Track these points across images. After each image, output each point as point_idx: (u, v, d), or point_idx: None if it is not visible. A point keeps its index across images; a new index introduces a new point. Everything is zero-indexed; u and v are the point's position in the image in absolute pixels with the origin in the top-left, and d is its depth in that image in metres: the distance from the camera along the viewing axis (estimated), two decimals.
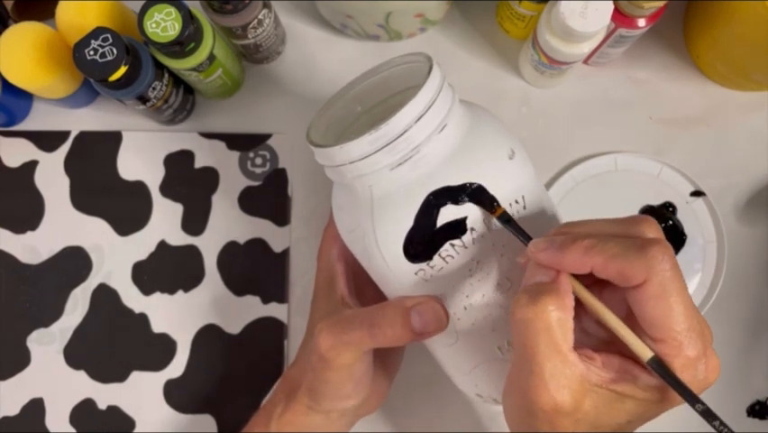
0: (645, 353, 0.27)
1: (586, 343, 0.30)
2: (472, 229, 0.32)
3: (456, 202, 0.31)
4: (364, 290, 0.39)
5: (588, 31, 0.40)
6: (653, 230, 0.29)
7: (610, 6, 0.40)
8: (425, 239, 0.31)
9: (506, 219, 0.31)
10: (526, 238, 0.31)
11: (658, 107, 0.51)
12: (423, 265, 0.32)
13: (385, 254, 0.32)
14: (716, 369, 0.28)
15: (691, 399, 0.26)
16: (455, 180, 0.31)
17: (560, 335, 0.27)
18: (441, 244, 0.32)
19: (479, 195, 0.31)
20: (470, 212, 0.32)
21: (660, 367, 0.27)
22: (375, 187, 0.32)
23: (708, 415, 0.26)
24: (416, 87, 0.31)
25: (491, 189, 0.32)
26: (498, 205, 0.31)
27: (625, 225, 0.29)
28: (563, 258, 0.28)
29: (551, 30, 0.43)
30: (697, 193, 0.49)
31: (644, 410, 0.29)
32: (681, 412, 0.30)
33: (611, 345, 0.29)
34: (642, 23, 0.43)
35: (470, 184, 0.31)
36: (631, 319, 0.28)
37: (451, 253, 0.32)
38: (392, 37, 0.50)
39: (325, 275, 0.40)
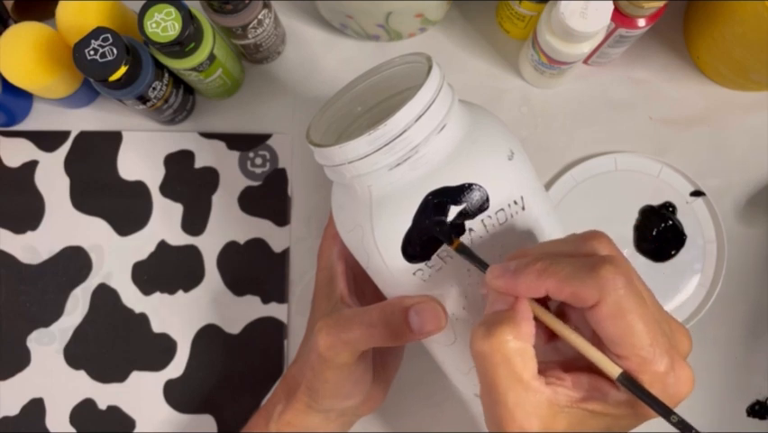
0: (614, 370, 0.26)
1: (558, 360, 0.29)
2: (471, 230, 0.32)
3: (455, 203, 0.31)
4: (364, 289, 0.39)
5: (588, 31, 0.40)
6: (604, 246, 0.28)
7: (610, 6, 0.40)
8: (423, 239, 0.31)
9: (461, 250, 0.31)
10: (483, 267, 0.30)
11: (658, 107, 0.51)
12: (421, 265, 0.32)
13: (383, 254, 0.32)
14: (688, 380, 0.27)
15: (664, 411, 0.26)
16: (454, 181, 0.31)
17: (520, 364, 0.26)
18: (439, 245, 0.32)
19: (442, 227, 0.31)
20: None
21: (630, 383, 0.26)
22: (374, 187, 0.32)
23: (683, 426, 0.26)
24: (416, 87, 0.31)
25: (490, 190, 0.32)
26: (456, 237, 0.31)
27: (576, 244, 0.29)
28: (518, 283, 0.28)
29: (551, 30, 0.43)
30: (697, 193, 0.49)
31: (618, 425, 0.28)
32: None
33: (582, 361, 0.28)
34: (642, 22, 0.43)
35: (469, 185, 0.31)
36: (597, 336, 0.28)
37: (449, 254, 0.32)
38: (392, 37, 0.50)
39: (325, 275, 0.40)
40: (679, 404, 0.27)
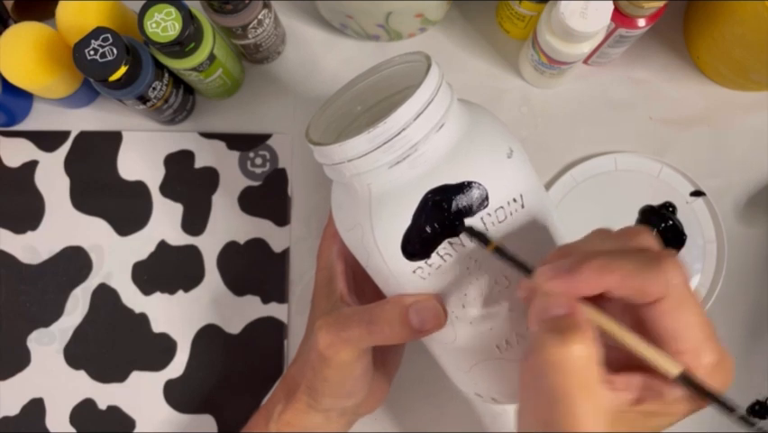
0: (673, 369, 0.26)
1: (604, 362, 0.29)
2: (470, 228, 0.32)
3: (455, 202, 0.31)
4: (364, 288, 0.39)
5: (588, 31, 0.40)
6: (653, 241, 0.28)
7: (610, 6, 0.40)
8: (422, 237, 0.31)
9: (499, 251, 0.30)
10: (526, 270, 0.29)
11: (658, 107, 0.51)
12: (421, 263, 0.32)
13: (383, 253, 0.32)
14: (732, 369, 0.28)
15: (728, 408, 0.26)
16: (453, 179, 0.31)
17: (589, 371, 0.26)
18: (439, 243, 0.32)
19: (472, 232, 0.31)
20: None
21: (690, 382, 0.26)
22: (373, 185, 0.32)
23: (746, 421, 0.26)
24: (415, 86, 0.31)
25: (489, 188, 0.32)
26: (491, 240, 0.31)
27: (623, 239, 0.29)
28: (576, 282, 0.27)
29: (551, 30, 0.43)
30: (697, 193, 0.49)
31: (672, 421, 0.28)
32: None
33: (624, 360, 0.28)
34: (642, 23, 0.43)
35: (469, 183, 0.31)
36: (639, 333, 0.27)
37: (449, 252, 0.32)
38: (392, 37, 0.50)
39: (325, 274, 0.40)
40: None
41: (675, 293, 0.26)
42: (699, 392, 0.26)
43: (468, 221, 0.32)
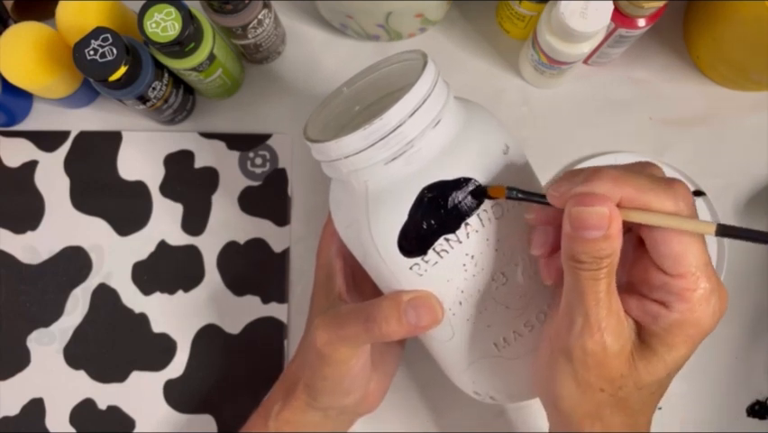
0: (709, 228, 0.27)
1: None
2: (467, 224, 0.32)
3: (451, 197, 0.31)
4: (363, 286, 0.39)
5: (588, 31, 0.40)
6: (662, 171, 0.30)
7: (610, 6, 0.40)
8: (419, 233, 0.32)
9: (514, 193, 0.31)
10: (541, 196, 0.30)
11: (658, 107, 0.51)
12: (417, 260, 0.32)
13: (380, 249, 0.32)
14: (726, 298, 0.29)
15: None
16: (449, 175, 0.31)
17: (613, 281, 0.28)
18: (435, 239, 0.32)
19: (476, 194, 0.32)
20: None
21: (729, 229, 0.27)
22: (370, 182, 0.32)
23: None
24: (412, 83, 0.32)
25: (485, 184, 0.32)
26: (495, 187, 0.31)
27: (636, 165, 0.30)
28: (593, 189, 0.28)
29: (551, 30, 0.43)
30: (697, 193, 0.49)
31: (678, 357, 0.29)
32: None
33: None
34: (642, 23, 0.43)
35: (465, 179, 0.31)
36: (638, 254, 0.30)
37: (445, 248, 0.32)
38: (392, 37, 0.50)
39: (324, 272, 0.40)
40: (718, 323, 0.29)
41: (684, 212, 0.27)
42: (742, 236, 0.27)
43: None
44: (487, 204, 0.32)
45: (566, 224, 0.28)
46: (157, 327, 0.49)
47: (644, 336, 0.29)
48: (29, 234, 0.49)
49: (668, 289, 0.28)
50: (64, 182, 0.50)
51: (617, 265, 0.28)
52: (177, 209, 0.50)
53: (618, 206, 0.28)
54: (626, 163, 0.31)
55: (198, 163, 0.50)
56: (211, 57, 0.43)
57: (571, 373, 0.29)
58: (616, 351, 0.28)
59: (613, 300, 0.28)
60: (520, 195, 0.31)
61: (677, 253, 0.28)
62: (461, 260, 0.32)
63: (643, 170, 0.30)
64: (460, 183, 0.31)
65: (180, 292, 0.49)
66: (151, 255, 0.49)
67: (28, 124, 0.51)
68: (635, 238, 0.30)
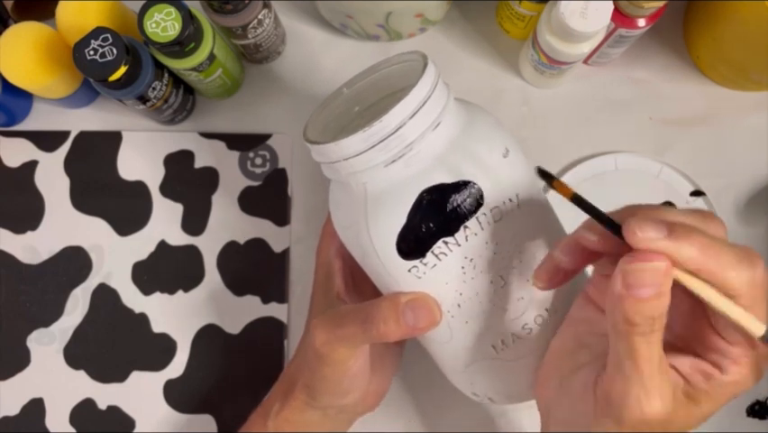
0: (758, 329, 0.26)
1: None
2: (466, 227, 0.32)
3: (450, 200, 0.31)
4: (362, 286, 0.39)
5: (588, 31, 0.40)
6: (723, 232, 0.28)
7: (610, 6, 0.40)
8: (417, 236, 0.32)
9: (577, 200, 0.29)
10: (611, 225, 0.28)
11: (658, 107, 0.51)
12: (416, 262, 0.32)
13: (378, 251, 0.32)
14: None
15: None
16: (449, 178, 0.31)
17: (660, 341, 0.26)
18: (434, 242, 0.32)
19: (543, 174, 0.31)
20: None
21: None
22: (369, 184, 0.32)
23: None
24: (412, 85, 0.32)
25: (485, 187, 0.32)
26: (562, 183, 0.30)
27: (697, 219, 0.28)
28: (677, 250, 0.25)
29: (551, 30, 0.43)
30: (697, 193, 0.49)
31: (713, 409, 0.29)
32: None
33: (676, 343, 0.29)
34: (642, 23, 0.43)
35: (464, 182, 0.31)
36: (694, 311, 0.28)
37: (444, 251, 0.32)
38: (392, 37, 0.50)
39: (323, 272, 0.40)
40: None
41: (755, 292, 0.26)
42: None
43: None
44: (487, 206, 0.32)
45: (617, 282, 0.26)
46: (157, 327, 0.49)
47: (689, 391, 0.28)
48: (29, 234, 0.49)
49: (725, 353, 0.28)
50: (64, 182, 0.50)
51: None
52: (177, 209, 0.50)
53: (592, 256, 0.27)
54: (692, 211, 0.28)
55: (198, 163, 0.50)
56: (211, 57, 0.43)
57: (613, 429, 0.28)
58: (667, 412, 0.27)
59: (664, 362, 0.27)
60: (586, 205, 0.29)
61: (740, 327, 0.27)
62: (459, 263, 0.32)
63: (708, 226, 0.28)
64: (459, 186, 0.31)
65: (180, 292, 0.49)
66: (151, 255, 0.49)
67: (28, 124, 0.51)
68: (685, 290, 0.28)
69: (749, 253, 0.26)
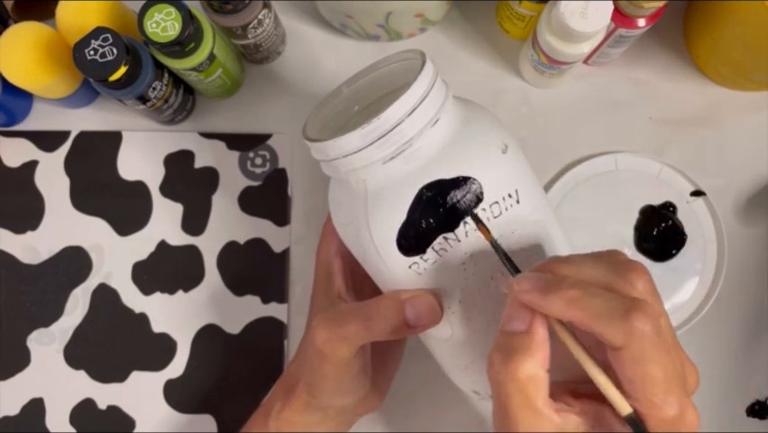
0: (624, 408, 0.26)
1: (567, 379, 0.29)
2: (465, 223, 0.32)
3: (449, 196, 0.31)
4: (363, 285, 0.39)
5: (588, 31, 0.40)
6: (643, 282, 0.28)
7: (610, 6, 0.40)
8: (417, 232, 0.32)
9: (495, 246, 0.31)
10: (514, 270, 0.30)
11: (658, 107, 0.51)
12: (416, 259, 0.32)
13: (379, 248, 0.32)
14: (693, 425, 0.27)
15: None
16: (448, 174, 0.31)
17: (533, 392, 0.26)
18: (434, 238, 0.32)
19: (476, 219, 0.31)
20: None
21: (636, 425, 0.26)
22: (368, 181, 0.32)
23: None
24: (410, 82, 0.32)
25: (484, 183, 0.32)
26: (485, 228, 0.31)
27: (614, 273, 0.28)
28: (546, 304, 0.27)
29: (551, 30, 0.43)
30: (697, 193, 0.49)
31: None
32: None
33: (590, 385, 0.28)
34: (642, 23, 0.43)
35: (464, 178, 0.31)
36: (610, 368, 0.27)
37: (444, 247, 0.32)
38: (392, 37, 0.50)
39: (324, 271, 0.40)
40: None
41: (636, 348, 0.25)
42: None
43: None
44: (486, 202, 0.32)
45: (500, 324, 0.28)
46: (157, 327, 0.49)
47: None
48: (29, 234, 0.49)
49: (637, 407, 0.27)
50: (64, 182, 0.50)
51: (543, 383, 0.27)
52: (177, 209, 0.50)
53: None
54: (607, 259, 0.29)
55: (198, 163, 0.50)
56: (211, 57, 0.43)
57: None
58: None
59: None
60: (499, 252, 0.31)
61: (632, 380, 0.26)
62: (460, 259, 0.32)
63: (616, 282, 0.27)
64: (458, 182, 0.31)
65: (180, 292, 0.49)
66: (151, 255, 0.49)
67: (28, 124, 0.51)
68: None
69: (632, 304, 0.26)
